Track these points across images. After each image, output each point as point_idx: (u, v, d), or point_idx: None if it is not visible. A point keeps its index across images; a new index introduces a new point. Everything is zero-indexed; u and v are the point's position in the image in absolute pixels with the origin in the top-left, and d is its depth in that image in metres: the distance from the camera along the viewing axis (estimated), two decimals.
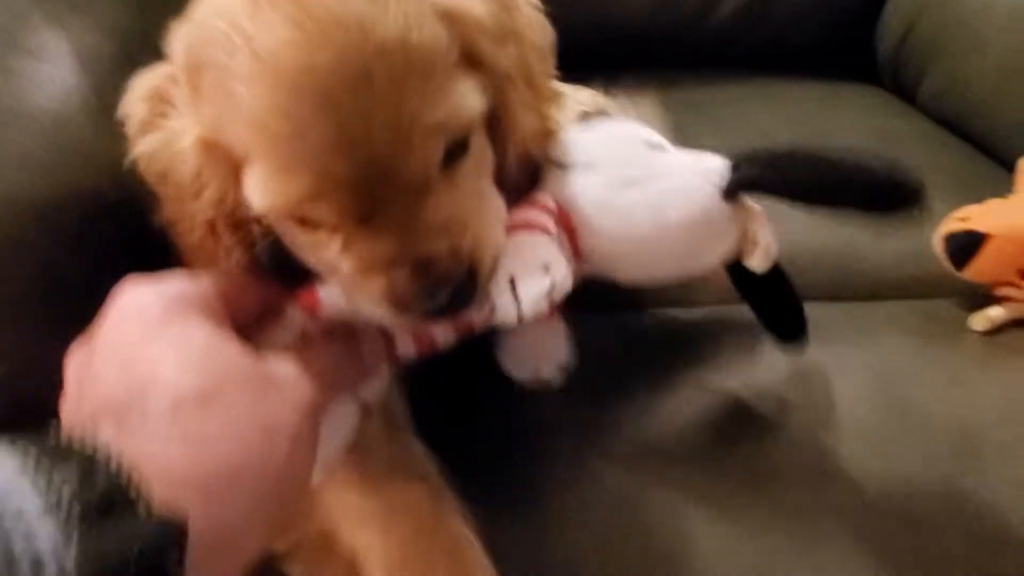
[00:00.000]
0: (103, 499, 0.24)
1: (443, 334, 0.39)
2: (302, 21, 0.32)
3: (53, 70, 0.46)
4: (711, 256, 0.43)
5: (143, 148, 0.37)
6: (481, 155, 0.38)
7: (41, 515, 0.22)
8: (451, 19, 0.36)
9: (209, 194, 0.36)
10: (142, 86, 0.38)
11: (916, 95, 0.93)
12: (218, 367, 0.30)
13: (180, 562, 0.24)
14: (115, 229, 0.42)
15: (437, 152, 0.35)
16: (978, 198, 0.60)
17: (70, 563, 0.22)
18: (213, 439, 0.28)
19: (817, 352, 0.52)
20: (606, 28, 1.05)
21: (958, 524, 0.41)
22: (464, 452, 0.40)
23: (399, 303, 0.35)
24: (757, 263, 0.43)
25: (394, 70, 0.32)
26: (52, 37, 0.48)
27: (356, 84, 0.32)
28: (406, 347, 0.39)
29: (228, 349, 0.30)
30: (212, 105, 0.34)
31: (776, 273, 0.47)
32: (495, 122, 0.39)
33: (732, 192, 0.41)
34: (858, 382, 0.50)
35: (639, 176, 0.42)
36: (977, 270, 0.56)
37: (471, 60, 0.37)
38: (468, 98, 0.36)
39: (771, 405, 0.48)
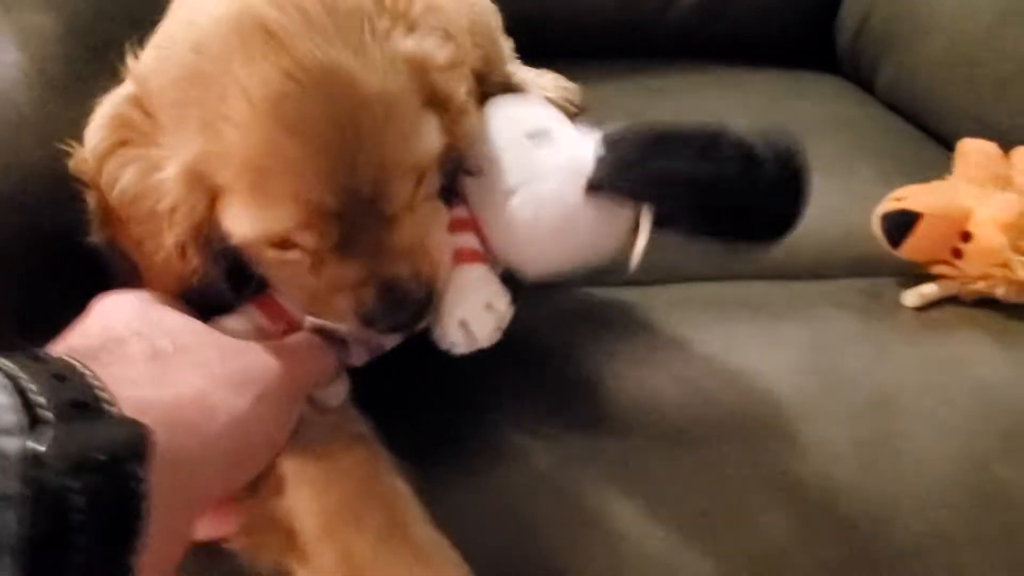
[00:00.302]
0: (75, 400, 0.26)
1: (392, 341, 0.44)
2: (295, 73, 0.35)
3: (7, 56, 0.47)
4: (608, 242, 0.45)
5: (109, 173, 0.40)
6: (433, 179, 0.42)
7: (9, 409, 0.24)
8: (416, 66, 0.40)
9: (185, 220, 0.39)
10: (103, 114, 0.40)
11: (874, 84, 0.95)
12: (195, 334, 0.35)
13: (143, 470, 0.26)
14: (55, 198, 0.43)
15: (409, 188, 0.40)
16: (924, 181, 0.62)
17: (41, 450, 0.23)
18: (182, 381, 0.31)
19: (754, 327, 0.54)
20: (575, 17, 1.06)
21: (872, 487, 0.43)
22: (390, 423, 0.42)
23: (364, 319, 0.40)
24: (634, 260, 0.44)
25: (376, 118, 0.37)
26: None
27: (344, 131, 0.36)
28: (359, 355, 0.44)
29: (203, 326, 0.36)
30: (197, 140, 0.37)
31: None
32: (448, 147, 0.43)
33: (596, 188, 0.43)
34: (791, 354, 0.51)
35: (519, 180, 0.44)
36: (912, 248, 0.58)
37: (433, 100, 0.41)
38: (433, 137, 0.40)
39: (704, 378, 0.50)
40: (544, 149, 0.45)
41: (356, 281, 0.39)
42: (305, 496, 0.38)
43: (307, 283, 0.40)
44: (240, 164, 0.36)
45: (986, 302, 0.56)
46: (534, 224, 0.43)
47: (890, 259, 0.59)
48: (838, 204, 0.67)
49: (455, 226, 0.45)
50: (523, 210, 0.43)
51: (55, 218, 0.44)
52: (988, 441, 0.46)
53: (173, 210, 0.38)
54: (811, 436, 0.45)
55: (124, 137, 0.39)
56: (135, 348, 0.32)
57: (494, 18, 0.56)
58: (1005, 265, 0.55)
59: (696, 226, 0.43)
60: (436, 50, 0.41)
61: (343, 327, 0.41)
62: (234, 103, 0.35)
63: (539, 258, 0.44)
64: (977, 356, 0.51)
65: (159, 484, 0.26)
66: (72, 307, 0.36)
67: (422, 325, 0.42)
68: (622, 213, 0.44)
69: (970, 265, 0.57)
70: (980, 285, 0.56)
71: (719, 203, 0.42)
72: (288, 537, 0.38)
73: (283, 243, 0.39)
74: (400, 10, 0.40)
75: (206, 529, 0.36)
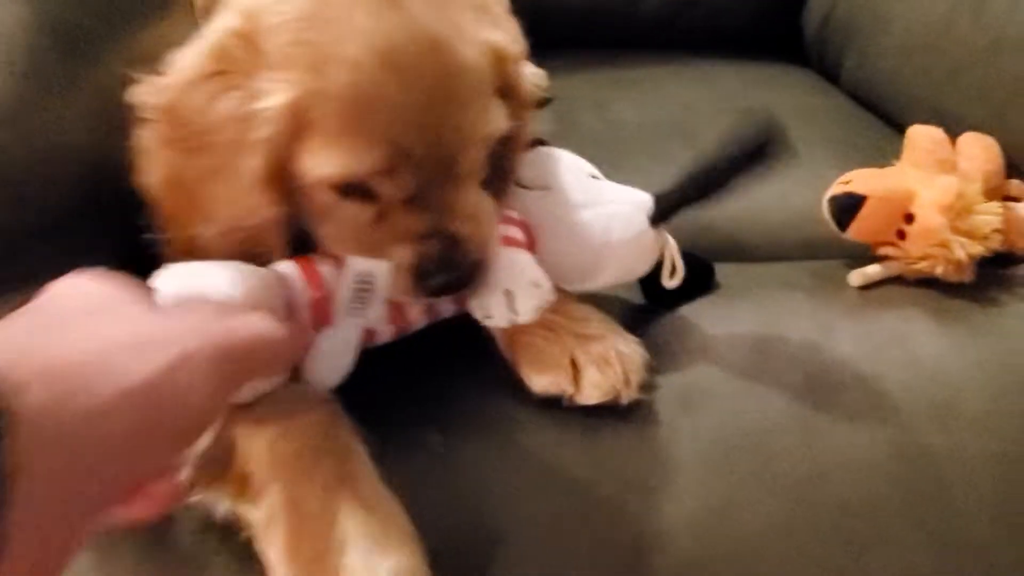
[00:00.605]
0: None
1: (418, 316, 0.47)
2: (409, 32, 0.40)
3: None
4: (639, 269, 0.51)
5: (198, 100, 0.41)
6: (483, 165, 0.46)
7: None
8: (496, 55, 0.44)
9: (273, 152, 0.41)
10: (204, 44, 0.42)
11: (839, 74, 0.97)
12: (118, 300, 0.32)
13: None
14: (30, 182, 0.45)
15: (480, 156, 0.44)
16: (876, 167, 0.65)
17: None
18: (78, 344, 0.28)
19: (703, 307, 0.57)
20: (550, 9, 1.09)
21: (808, 453, 0.46)
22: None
23: (422, 271, 0.42)
24: (673, 283, 0.52)
25: (467, 88, 0.41)
26: None
27: (440, 92, 0.40)
28: (383, 332, 0.46)
29: (137, 294, 0.33)
30: (306, 78, 0.39)
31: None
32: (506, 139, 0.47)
33: (656, 221, 0.49)
34: (736, 331, 0.54)
35: (588, 200, 0.50)
36: (858, 230, 0.61)
37: (503, 87, 0.45)
38: (502, 118, 0.45)
39: (657, 354, 0.52)
40: (603, 184, 0.51)
41: (420, 233, 0.42)
42: (261, 443, 0.40)
43: (365, 237, 0.42)
44: (343, 103, 0.39)
45: (928, 281, 0.59)
46: (604, 238, 0.48)
47: (840, 241, 0.61)
48: (792, 189, 0.69)
49: (507, 220, 0.48)
50: (595, 224, 0.48)
51: (31, 201, 0.46)
52: (918, 410, 0.49)
53: (267, 140, 0.40)
54: (753, 409, 0.48)
55: (224, 68, 0.41)
56: (48, 310, 0.30)
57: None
58: (944, 245, 0.57)
59: None
60: (511, 45, 0.46)
61: (395, 286, 0.42)
62: (350, 47, 0.39)
63: (590, 269, 0.49)
64: (914, 332, 0.54)
65: (35, 451, 0.24)
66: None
67: (441, 311, 0.46)
68: (659, 245, 0.51)
69: (913, 246, 0.59)
70: (922, 265, 0.59)
71: None
72: (241, 483, 0.40)
73: (356, 190, 0.41)
74: (487, 5, 0.46)
75: (138, 510, 0.34)
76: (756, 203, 0.70)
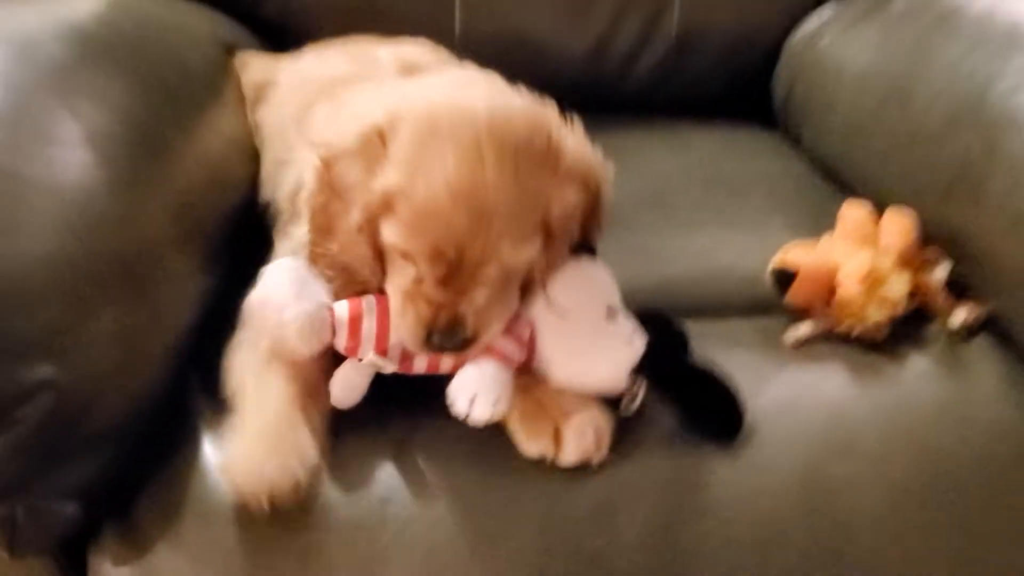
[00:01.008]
0: None
1: (420, 366, 0.61)
2: (476, 178, 0.55)
3: (71, 154, 0.60)
4: (608, 391, 0.62)
5: (343, 165, 0.60)
6: (517, 280, 0.61)
7: None
8: (546, 203, 0.59)
9: (368, 212, 0.58)
10: (361, 126, 0.59)
11: (800, 143, 1.10)
12: None
13: None
14: (124, 268, 0.59)
15: (498, 274, 0.58)
16: (828, 230, 0.77)
17: None
18: None
19: None
20: (544, 76, 1.21)
21: (726, 482, 0.59)
22: None
23: (426, 329, 0.57)
24: (628, 412, 0.62)
25: (505, 226, 0.56)
26: (79, 125, 0.63)
27: (481, 224, 0.55)
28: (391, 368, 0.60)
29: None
30: (402, 178, 0.57)
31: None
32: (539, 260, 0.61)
33: (637, 372, 0.61)
34: None
35: (589, 336, 0.61)
36: (793, 296, 0.73)
37: (545, 229, 0.60)
38: (531, 253, 0.59)
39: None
40: (613, 329, 0.62)
41: (438, 303, 0.57)
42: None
43: (408, 288, 0.58)
44: (416, 208, 0.56)
45: (851, 339, 0.71)
46: (589, 376, 0.61)
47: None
48: (748, 252, 0.80)
49: (511, 336, 0.61)
50: (588, 362, 0.61)
51: (134, 282, 0.60)
52: (826, 446, 0.61)
53: (367, 204, 0.58)
54: (690, 449, 0.61)
55: (362, 149, 0.59)
56: None
57: (607, 186, 0.69)
58: (861, 311, 0.70)
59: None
60: (563, 199, 0.60)
61: (404, 333, 0.59)
62: (434, 172, 0.55)
63: (573, 384, 0.61)
64: (828, 382, 0.67)
65: None
66: None
67: (439, 366, 0.61)
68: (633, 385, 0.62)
69: (837, 311, 0.72)
70: (843, 326, 0.72)
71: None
72: None
73: (408, 256, 0.58)
74: (553, 160, 0.59)
75: None
76: (714, 265, 0.84)
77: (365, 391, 0.60)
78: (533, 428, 0.59)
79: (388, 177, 0.57)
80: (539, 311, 0.62)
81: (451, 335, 0.57)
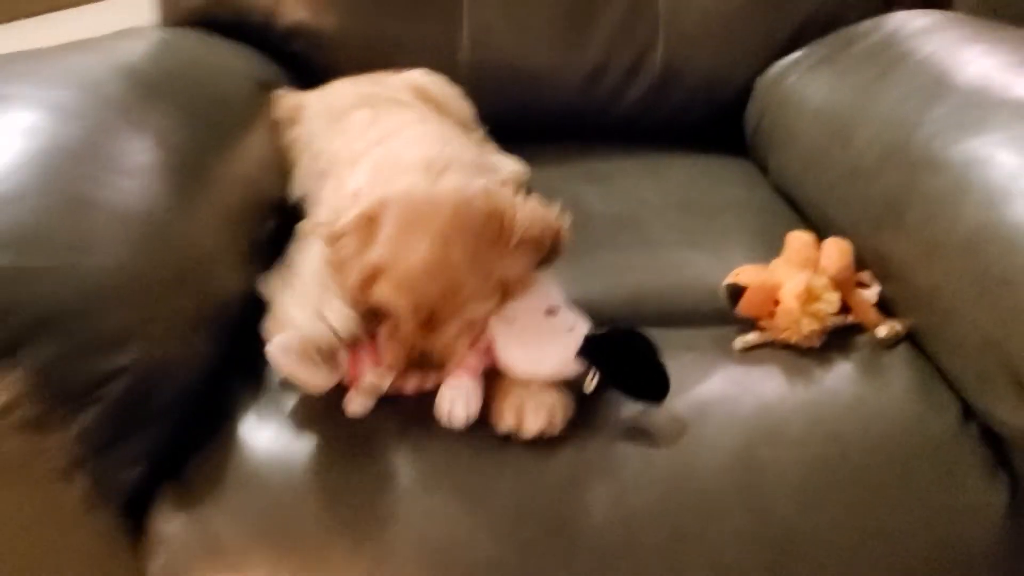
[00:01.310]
0: None
1: (410, 386, 0.75)
2: (439, 257, 0.71)
3: (134, 182, 0.73)
4: (563, 380, 0.75)
5: (344, 239, 0.74)
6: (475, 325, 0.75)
7: None
8: (500, 277, 0.74)
9: (360, 276, 0.73)
10: (358, 211, 0.74)
11: (767, 172, 1.23)
12: None
13: None
14: (181, 276, 0.72)
15: (460, 327, 0.73)
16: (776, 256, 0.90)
17: None
18: None
19: None
20: (540, 108, 1.35)
21: (675, 458, 0.71)
22: None
23: (405, 360, 0.73)
24: (590, 388, 0.74)
25: (468, 293, 0.72)
26: (139, 155, 0.76)
27: (451, 292, 0.71)
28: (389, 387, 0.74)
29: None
30: (387, 254, 0.72)
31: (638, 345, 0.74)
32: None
33: (581, 358, 0.74)
34: None
35: (534, 335, 0.74)
36: (743, 309, 0.86)
37: (500, 289, 0.74)
38: (488, 307, 0.74)
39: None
40: (554, 324, 0.75)
41: (411, 343, 0.73)
42: None
43: (391, 332, 0.73)
44: (397, 279, 0.71)
45: (791, 346, 0.84)
46: (538, 366, 0.73)
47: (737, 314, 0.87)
48: (708, 271, 0.92)
49: (473, 347, 0.74)
50: (529, 361, 0.73)
51: (189, 287, 0.74)
52: (757, 433, 0.73)
53: (361, 270, 0.72)
54: (642, 433, 0.73)
55: (359, 226, 0.74)
56: None
57: (562, 234, 0.81)
58: (796, 323, 0.83)
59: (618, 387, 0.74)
60: (515, 266, 0.75)
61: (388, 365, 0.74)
62: (411, 254, 0.71)
63: (528, 374, 0.74)
64: (766, 381, 0.79)
65: None
66: None
67: (425, 385, 0.75)
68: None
69: (779, 321, 0.84)
70: (784, 335, 0.84)
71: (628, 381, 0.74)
72: None
73: (391, 311, 0.73)
74: (506, 237, 0.74)
75: None
76: (680, 280, 0.96)
77: (372, 404, 0.75)
78: (502, 410, 0.73)
79: (377, 253, 0.72)
80: (494, 325, 0.75)
81: (420, 364, 0.74)
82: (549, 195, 1.09)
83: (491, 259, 0.73)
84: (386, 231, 0.72)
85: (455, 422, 0.72)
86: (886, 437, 0.74)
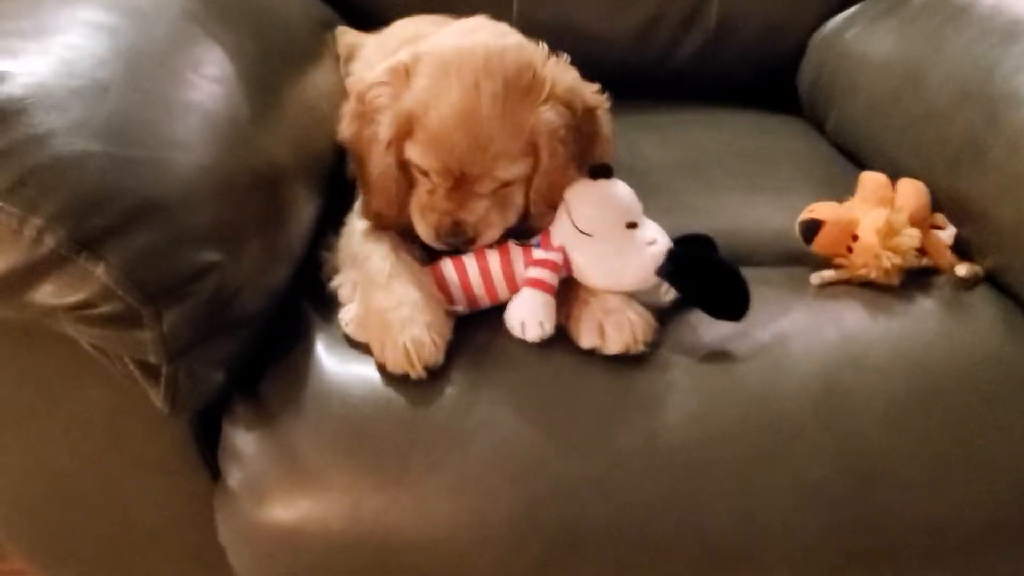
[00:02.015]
0: None
1: (484, 301, 0.75)
2: (472, 106, 0.71)
3: (216, 87, 0.72)
4: (640, 293, 0.75)
5: (374, 91, 0.76)
6: (515, 195, 0.77)
7: None
8: (532, 129, 0.73)
9: (393, 128, 0.74)
10: (387, 64, 0.76)
11: (825, 128, 1.22)
12: None
13: None
14: (262, 181, 0.72)
15: (492, 186, 0.74)
16: (842, 201, 0.88)
17: None
18: None
19: None
20: (591, 63, 1.33)
21: (761, 380, 0.70)
22: None
23: (436, 231, 0.74)
24: (667, 298, 0.76)
25: (498, 149, 0.72)
26: (220, 64, 0.75)
27: (481, 146, 0.71)
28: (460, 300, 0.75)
29: None
30: (420, 102, 0.73)
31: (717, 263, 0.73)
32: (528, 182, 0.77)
33: (660, 274, 0.73)
34: None
35: (614, 248, 0.73)
36: (819, 245, 0.84)
37: (532, 151, 0.74)
38: (522, 170, 0.75)
39: (664, 323, 0.76)
40: (635, 238, 0.74)
41: (444, 211, 0.73)
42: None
43: (424, 201, 0.75)
44: (429, 132, 0.72)
45: (868, 284, 0.82)
46: (620, 279, 0.73)
47: (810, 253, 0.84)
48: (775, 214, 0.92)
49: (547, 265, 0.72)
50: (610, 273, 0.73)
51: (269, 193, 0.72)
52: (840, 360, 0.72)
53: (392, 121, 0.74)
54: (727, 356, 0.72)
55: (392, 79, 0.75)
56: None
57: (605, 116, 0.84)
58: (877, 257, 0.81)
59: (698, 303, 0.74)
60: (546, 120, 0.73)
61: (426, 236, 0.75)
62: (442, 105, 0.71)
63: (611, 290, 0.73)
64: (846, 313, 0.77)
65: None
66: None
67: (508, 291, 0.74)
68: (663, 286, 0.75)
69: (856, 258, 0.83)
70: (862, 271, 0.82)
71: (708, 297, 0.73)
72: None
73: (424, 172, 0.74)
74: (537, 90, 0.74)
75: None
76: (746, 221, 0.95)
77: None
78: (582, 326, 0.72)
79: (409, 102, 0.73)
80: (568, 236, 0.74)
81: (454, 235, 0.74)
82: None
83: (521, 112, 0.72)
84: (419, 82, 0.73)
85: (529, 339, 0.71)
86: (972, 370, 0.73)
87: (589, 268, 0.73)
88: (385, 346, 0.68)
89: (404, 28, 1.09)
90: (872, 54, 1.10)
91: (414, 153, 0.73)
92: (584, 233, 0.73)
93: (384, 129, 0.74)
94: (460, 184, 0.73)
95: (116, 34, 0.67)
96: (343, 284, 0.77)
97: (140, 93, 0.64)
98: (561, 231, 0.75)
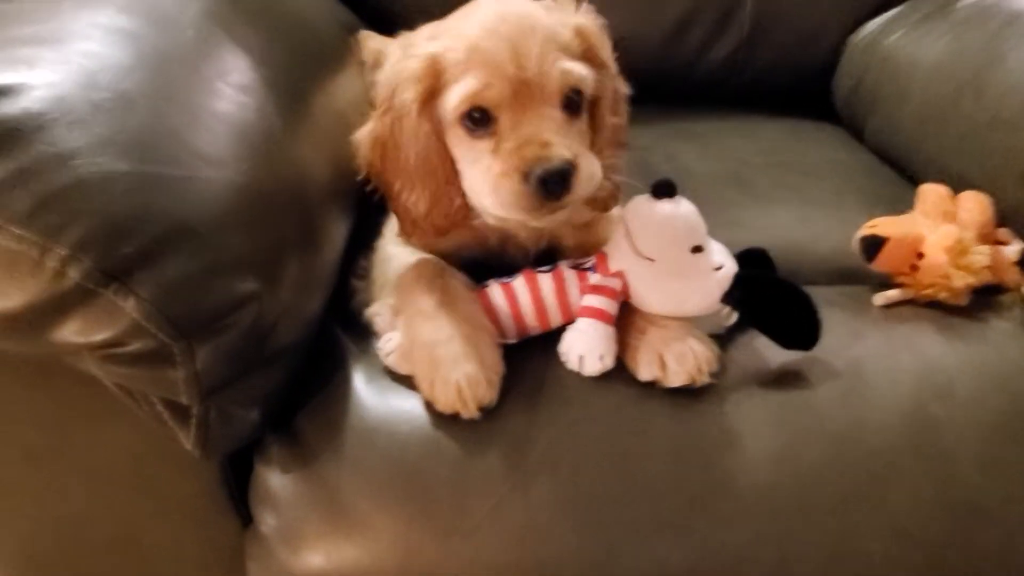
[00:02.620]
0: None
1: (534, 328, 0.69)
2: (507, 13, 0.65)
3: (247, 97, 0.66)
4: (702, 319, 0.69)
5: (405, 88, 0.67)
6: (586, 128, 0.69)
7: None
8: (579, 32, 0.68)
9: (421, 84, 0.66)
10: (417, 59, 0.67)
11: (863, 133, 1.17)
12: None
13: None
14: (298, 201, 0.66)
15: (560, 89, 0.64)
16: (893, 215, 0.83)
17: None
18: None
19: None
20: (621, 63, 1.28)
21: (841, 417, 0.65)
22: None
23: (523, 175, 0.62)
24: (729, 322, 0.71)
25: (545, 46, 0.63)
26: (248, 72, 0.68)
27: (525, 46, 0.63)
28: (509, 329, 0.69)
29: None
30: (447, 42, 0.66)
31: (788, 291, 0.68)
32: (592, 113, 0.70)
33: (726, 301, 0.68)
34: None
35: (678, 274, 0.67)
36: (881, 263, 0.79)
37: (587, 55, 0.67)
38: (582, 70, 0.66)
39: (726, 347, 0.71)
40: (700, 263, 0.67)
41: (525, 141, 0.62)
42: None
43: (491, 165, 0.64)
44: (465, 50, 0.64)
45: (934, 304, 0.77)
46: (683, 305, 0.67)
47: (865, 271, 0.79)
48: (829, 229, 0.88)
49: (605, 293, 0.67)
50: (672, 299, 0.67)
51: (305, 214, 0.66)
52: (925, 391, 0.67)
53: (416, 75, 0.65)
54: (803, 387, 0.67)
55: (421, 73, 0.66)
56: None
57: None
58: (946, 277, 0.76)
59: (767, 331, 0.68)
60: (591, 26, 0.69)
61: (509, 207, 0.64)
62: (470, 21, 0.66)
63: (673, 316, 0.68)
64: (921, 338, 0.72)
65: None
66: None
67: (561, 316, 0.68)
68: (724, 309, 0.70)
69: (923, 276, 0.78)
70: (929, 291, 0.77)
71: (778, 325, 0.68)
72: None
73: (477, 122, 0.64)
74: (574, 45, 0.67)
75: None
76: (798, 237, 0.89)
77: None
78: (641, 358, 0.66)
79: (428, 47, 0.66)
80: (628, 261, 0.67)
81: (550, 165, 0.61)
82: (643, 152, 1.07)
83: (561, 22, 0.67)
84: (433, 37, 0.68)
85: (587, 373, 0.66)
86: None
87: (650, 294, 0.68)
88: (435, 384, 0.62)
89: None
90: (922, 59, 1.05)
91: (457, 91, 0.64)
92: (646, 258, 0.67)
93: (410, 93, 0.66)
94: (525, 102, 0.62)
95: (139, 40, 0.61)
96: (379, 312, 0.71)
97: (168, 104, 0.58)
98: (620, 255, 0.68)
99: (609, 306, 0.67)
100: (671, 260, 0.67)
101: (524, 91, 0.63)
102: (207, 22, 0.70)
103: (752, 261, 0.72)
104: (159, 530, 0.68)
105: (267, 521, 0.63)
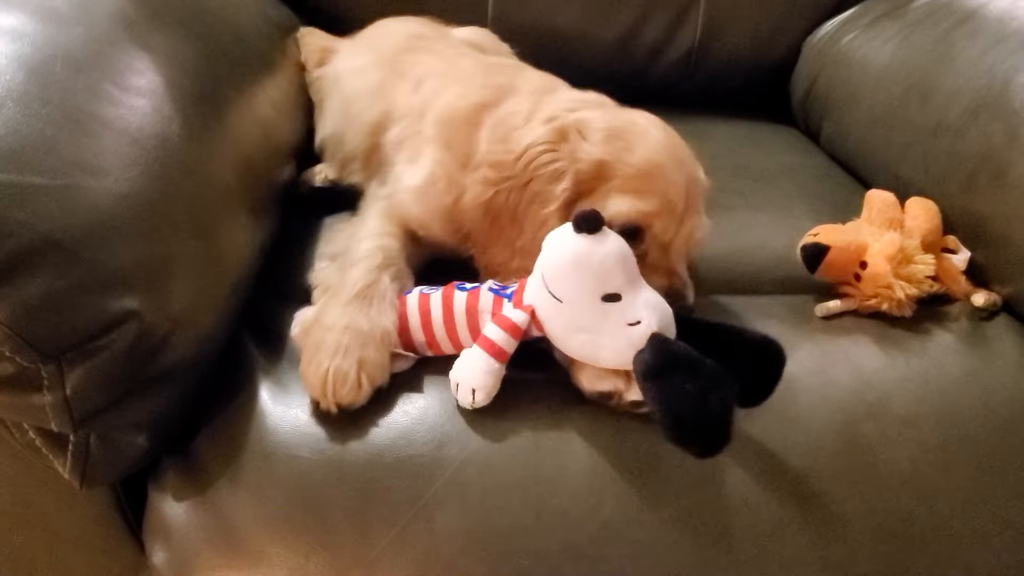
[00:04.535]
0: None
1: (464, 341, 0.64)
2: (676, 152, 0.70)
3: (146, 102, 0.62)
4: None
5: (543, 157, 0.67)
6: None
7: None
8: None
9: (576, 187, 0.67)
10: (548, 125, 0.69)
11: (819, 137, 1.14)
12: None
13: None
14: (195, 211, 0.61)
15: (693, 243, 0.72)
16: (844, 221, 0.80)
17: None
18: None
19: None
20: (571, 69, 1.25)
21: (774, 433, 0.61)
22: None
23: (672, 293, 0.65)
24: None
25: (700, 186, 0.72)
26: (148, 74, 0.64)
27: (692, 183, 0.70)
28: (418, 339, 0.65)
29: None
30: (615, 152, 0.67)
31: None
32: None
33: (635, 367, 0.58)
34: None
35: (585, 323, 0.59)
36: (823, 272, 0.76)
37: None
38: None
39: None
40: (612, 314, 0.58)
41: (668, 270, 0.68)
42: None
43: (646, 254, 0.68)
44: (637, 169, 0.66)
45: (877, 314, 0.74)
46: (594, 356, 0.59)
47: (809, 279, 0.77)
48: (774, 236, 0.85)
49: (506, 327, 0.60)
50: (584, 348, 0.60)
51: (203, 225, 0.62)
52: (858, 409, 0.64)
53: (576, 173, 0.66)
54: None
55: (560, 138, 0.68)
56: None
57: None
58: (888, 287, 0.73)
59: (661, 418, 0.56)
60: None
61: None
62: (645, 142, 0.68)
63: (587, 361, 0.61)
64: (859, 351, 0.69)
65: None
66: None
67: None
68: None
69: (865, 287, 0.75)
70: (872, 302, 0.74)
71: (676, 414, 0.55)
72: None
73: (631, 233, 0.65)
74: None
75: None
76: (743, 246, 0.87)
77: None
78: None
79: (597, 151, 0.66)
80: (538, 297, 0.61)
81: (680, 296, 0.67)
82: None
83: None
84: (596, 139, 0.67)
85: (460, 403, 0.61)
86: (1003, 415, 0.65)
87: (560, 338, 0.61)
88: (310, 364, 0.61)
89: (385, 30, 1.01)
90: (872, 61, 1.02)
91: (623, 204, 0.65)
92: (555, 298, 0.60)
93: (560, 188, 0.66)
94: (675, 232, 0.67)
95: (20, 39, 0.57)
96: (321, 283, 0.70)
97: (43, 108, 0.54)
98: (532, 288, 0.62)
99: (505, 342, 0.60)
100: (579, 306, 0.59)
101: (680, 227, 0.68)
102: (107, 22, 0.66)
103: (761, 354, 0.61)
104: (52, 561, 0.63)
105: (157, 553, 0.59)
